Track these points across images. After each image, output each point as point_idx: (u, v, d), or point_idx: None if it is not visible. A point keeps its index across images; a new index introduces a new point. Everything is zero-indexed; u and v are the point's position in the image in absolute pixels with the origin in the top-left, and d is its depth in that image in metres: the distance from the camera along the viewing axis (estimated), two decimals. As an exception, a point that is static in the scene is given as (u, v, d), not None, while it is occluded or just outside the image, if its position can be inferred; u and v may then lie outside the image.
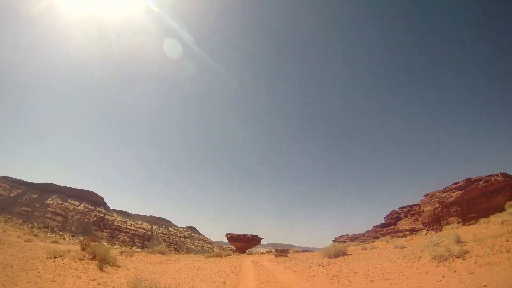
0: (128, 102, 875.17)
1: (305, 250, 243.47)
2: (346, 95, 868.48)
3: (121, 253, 56.19)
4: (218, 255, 54.28)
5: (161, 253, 54.33)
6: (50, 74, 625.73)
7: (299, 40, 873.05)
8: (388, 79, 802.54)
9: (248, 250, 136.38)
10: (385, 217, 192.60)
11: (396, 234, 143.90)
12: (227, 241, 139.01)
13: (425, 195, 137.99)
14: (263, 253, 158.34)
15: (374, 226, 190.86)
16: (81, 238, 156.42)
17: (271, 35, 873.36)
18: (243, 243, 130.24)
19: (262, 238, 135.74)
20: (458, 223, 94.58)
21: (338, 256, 36.36)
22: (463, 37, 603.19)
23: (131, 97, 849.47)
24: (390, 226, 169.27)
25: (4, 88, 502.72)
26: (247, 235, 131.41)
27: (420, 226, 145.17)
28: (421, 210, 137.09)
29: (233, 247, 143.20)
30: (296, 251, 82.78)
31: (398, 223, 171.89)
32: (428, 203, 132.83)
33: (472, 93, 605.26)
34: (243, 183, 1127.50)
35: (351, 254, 38.30)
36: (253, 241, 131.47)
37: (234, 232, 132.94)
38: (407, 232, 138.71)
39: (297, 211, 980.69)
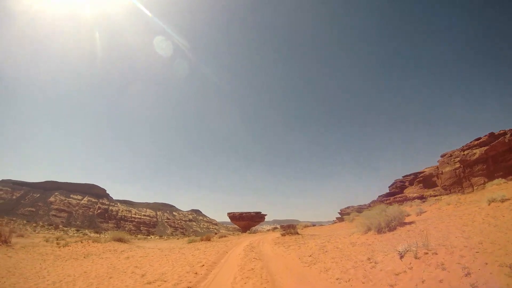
0: (123, 96, 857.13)
1: (313, 224, 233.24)
2: (343, 67, 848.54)
3: (47, 240, 40.13)
4: (206, 238, 38.48)
5: (120, 240, 38.23)
6: (39, 72, 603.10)
7: (293, 38, 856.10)
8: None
9: (252, 228, 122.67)
10: (389, 187, 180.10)
11: (404, 202, 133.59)
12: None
13: (442, 155, 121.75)
14: (268, 230, 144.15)
15: (379, 196, 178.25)
16: (86, 231, 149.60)
17: (263, 34, 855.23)
18: (246, 221, 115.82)
19: (265, 215, 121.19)
20: (484, 183, 79.48)
21: (394, 229, 18.82)
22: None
23: (126, 91, 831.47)
24: (396, 195, 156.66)
25: None
26: (249, 212, 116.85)
27: (430, 192, 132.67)
28: (440, 172, 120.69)
29: (238, 227, 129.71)
30: (306, 226, 65.70)
31: (404, 191, 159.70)
32: (447, 163, 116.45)
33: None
34: (244, 162, 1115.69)
35: (412, 222, 20.63)
36: (256, 218, 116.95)
37: (236, 211, 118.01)
38: (416, 200, 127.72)
39: (300, 186, 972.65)
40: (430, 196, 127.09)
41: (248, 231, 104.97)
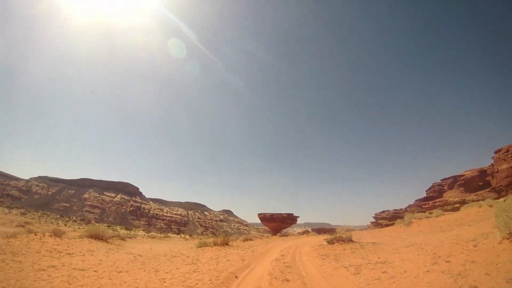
0: (156, 97, 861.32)
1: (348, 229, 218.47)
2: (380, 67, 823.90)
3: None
4: (222, 242, 26.84)
5: (96, 237, 27.22)
6: (61, 76, 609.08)
7: (305, 39, 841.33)
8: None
9: (283, 231, 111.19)
10: (426, 190, 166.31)
11: (444, 207, 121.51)
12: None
13: (497, 151, 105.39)
14: (300, 233, 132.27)
15: (416, 200, 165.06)
16: (117, 227, 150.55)
17: (277, 35, 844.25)
18: (277, 223, 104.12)
19: (298, 217, 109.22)
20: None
21: None
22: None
23: (147, 95, 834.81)
24: (435, 199, 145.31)
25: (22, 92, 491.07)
26: (281, 214, 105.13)
27: (472, 197, 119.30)
28: (494, 170, 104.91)
29: (268, 228, 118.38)
30: (348, 230, 52.83)
31: (443, 195, 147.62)
32: (504, 159, 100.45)
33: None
34: (277, 164, 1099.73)
35: None
36: (288, 220, 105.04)
37: (266, 212, 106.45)
38: (457, 204, 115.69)
39: (331, 189, 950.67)
40: (472, 201, 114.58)
41: (278, 234, 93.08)
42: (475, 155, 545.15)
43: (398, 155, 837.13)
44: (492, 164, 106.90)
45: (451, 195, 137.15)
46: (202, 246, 27.30)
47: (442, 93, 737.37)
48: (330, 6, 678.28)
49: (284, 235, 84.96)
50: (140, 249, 27.89)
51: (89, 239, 26.60)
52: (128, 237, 45.06)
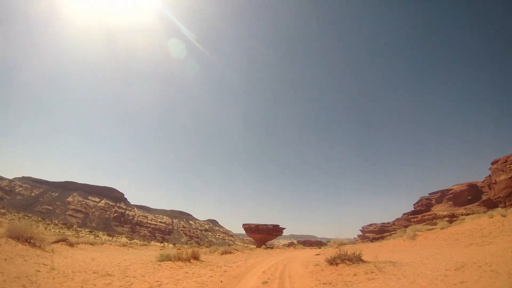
0: (138, 101, 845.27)
1: (328, 241, 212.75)
2: (364, 77, 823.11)
3: None
4: (189, 257, 19.63)
5: (21, 238, 19.50)
6: (59, 74, 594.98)
7: (306, 39, 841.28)
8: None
9: (269, 242, 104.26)
10: (414, 204, 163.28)
11: (433, 221, 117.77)
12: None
13: (494, 162, 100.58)
14: (285, 245, 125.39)
15: (404, 214, 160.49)
16: (100, 232, 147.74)
17: (277, 35, 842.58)
18: (262, 235, 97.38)
19: (284, 229, 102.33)
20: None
21: None
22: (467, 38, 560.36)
23: (140, 96, 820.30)
24: (423, 213, 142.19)
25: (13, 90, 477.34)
26: (266, 225, 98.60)
27: (461, 211, 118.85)
28: (492, 181, 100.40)
29: (253, 239, 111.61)
30: (341, 244, 45.87)
31: (431, 209, 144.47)
32: (502, 170, 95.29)
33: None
34: (263, 175, 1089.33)
35: None
36: (274, 232, 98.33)
37: (252, 223, 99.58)
38: (446, 218, 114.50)
39: (317, 201, 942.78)
40: (462, 215, 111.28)
41: (263, 246, 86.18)
42: (463, 170, 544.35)
43: (385, 168, 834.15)
44: (490, 176, 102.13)
45: (440, 209, 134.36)
46: (163, 260, 20.45)
47: (431, 105, 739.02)
48: (331, 5, 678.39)
49: (269, 247, 78.35)
50: (78, 259, 20.62)
51: (10, 239, 19.18)
52: (89, 243, 37.96)
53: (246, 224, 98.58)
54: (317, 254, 34.09)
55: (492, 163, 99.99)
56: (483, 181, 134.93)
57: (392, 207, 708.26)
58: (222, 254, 34.35)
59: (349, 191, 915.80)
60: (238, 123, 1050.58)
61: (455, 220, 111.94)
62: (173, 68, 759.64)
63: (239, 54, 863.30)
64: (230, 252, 37.01)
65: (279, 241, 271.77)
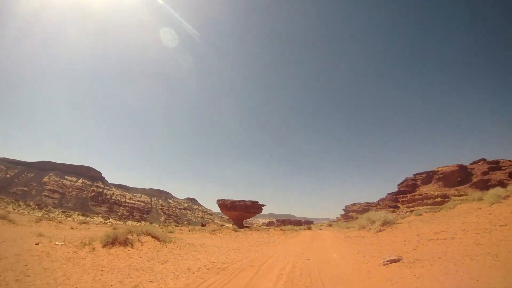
0: (116, 79, 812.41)
1: (308, 221, 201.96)
2: (352, 60, 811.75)
3: None
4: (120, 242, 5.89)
5: None
6: (42, 63, 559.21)
7: (304, 37, 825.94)
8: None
9: (248, 221, 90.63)
10: (398, 185, 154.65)
11: (424, 201, 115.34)
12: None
13: None
14: (265, 224, 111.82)
15: (389, 194, 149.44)
16: (75, 214, 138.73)
17: (274, 31, 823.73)
18: (239, 212, 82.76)
19: (263, 205, 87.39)
20: None
21: None
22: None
23: (119, 74, 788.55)
24: (409, 193, 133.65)
25: None
26: (244, 201, 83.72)
27: (453, 192, 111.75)
28: None
29: (229, 218, 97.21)
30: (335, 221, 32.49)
31: (416, 190, 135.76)
32: None
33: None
34: (244, 154, 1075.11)
35: None
36: (252, 208, 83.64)
37: (227, 198, 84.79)
38: (438, 198, 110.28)
39: (299, 180, 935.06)
40: (454, 196, 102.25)
41: (243, 228, 72.31)
42: (449, 152, 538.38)
43: (366, 149, 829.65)
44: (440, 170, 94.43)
45: (429, 189, 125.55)
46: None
47: (414, 90, 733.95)
48: (328, 5, 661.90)
49: (247, 227, 64.38)
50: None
51: None
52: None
53: (221, 200, 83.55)
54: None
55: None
56: (471, 164, 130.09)
57: (373, 189, 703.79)
58: (191, 231, 20.41)
59: (330, 171, 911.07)
60: (219, 104, 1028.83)
61: (447, 201, 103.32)
62: (162, 58, 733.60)
63: (236, 48, 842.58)
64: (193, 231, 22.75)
65: (258, 220, 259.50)
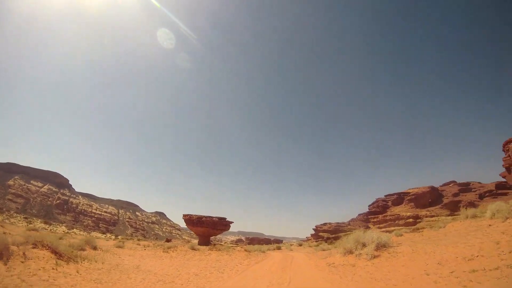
0: (87, 84, 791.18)
1: (277, 239, 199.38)
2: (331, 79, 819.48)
3: None
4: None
5: None
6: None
7: (302, 39, 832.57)
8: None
9: (217, 237, 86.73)
10: (369, 205, 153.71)
11: (396, 222, 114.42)
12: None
13: (506, 143, 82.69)
14: (233, 242, 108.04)
15: (360, 214, 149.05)
16: (37, 221, 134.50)
17: (272, 31, 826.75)
18: (206, 228, 78.91)
19: (232, 222, 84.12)
20: None
21: None
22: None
23: (89, 79, 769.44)
24: (380, 214, 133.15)
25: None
26: (211, 217, 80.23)
27: (424, 213, 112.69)
28: (506, 164, 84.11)
29: (196, 234, 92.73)
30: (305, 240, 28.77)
31: (387, 210, 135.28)
32: None
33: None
34: (213, 169, 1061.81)
35: None
36: (219, 225, 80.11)
37: (194, 213, 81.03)
38: (410, 219, 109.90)
39: (269, 198, 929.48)
40: (426, 217, 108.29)
41: (208, 245, 68.94)
42: (416, 174, 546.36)
43: (337, 169, 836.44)
44: (508, 155, 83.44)
45: (401, 210, 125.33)
46: None
47: (388, 110, 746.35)
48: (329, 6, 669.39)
49: (214, 247, 61.15)
50: None
51: None
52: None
53: (187, 215, 79.43)
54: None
55: (506, 144, 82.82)
56: (442, 186, 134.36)
57: (343, 209, 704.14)
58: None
59: (299, 191, 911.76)
60: (185, 117, 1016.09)
61: (419, 221, 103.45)
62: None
63: (235, 49, 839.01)
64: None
65: (226, 237, 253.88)
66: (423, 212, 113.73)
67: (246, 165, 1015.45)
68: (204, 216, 79.42)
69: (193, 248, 37.43)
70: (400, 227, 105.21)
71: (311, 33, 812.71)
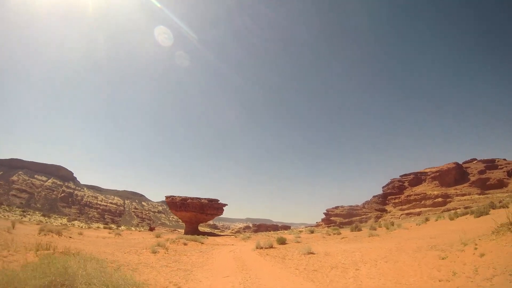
0: (105, 83, 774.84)
1: (285, 226, 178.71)
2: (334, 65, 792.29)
3: None
4: None
5: None
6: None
7: (302, 37, 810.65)
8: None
9: (225, 224, 68.16)
10: (383, 187, 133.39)
11: (422, 202, 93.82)
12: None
13: None
14: (242, 229, 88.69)
15: (374, 196, 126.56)
16: (36, 213, 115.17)
17: (272, 30, 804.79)
18: (192, 212, 57.38)
19: (225, 205, 61.59)
20: None
21: None
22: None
23: (110, 78, 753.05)
24: (398, 195, 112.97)
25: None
26: (199, 199, 58.57)
27: (452, 191, 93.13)
28: None
29: (181, 220, 71.54)
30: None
31: (404, 191, 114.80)
32: None
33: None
34: (222, 155, 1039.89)
35: None
36: (209, 209, 58.23)
37: (177, 195, 59.31)
38: (439, 199, 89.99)
39: (279, 184, 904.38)
40: (456, 195, 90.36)
41: (199, 234, 47.56)
42: (431, 155, 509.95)
43: (345, 153, 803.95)
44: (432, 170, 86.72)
45: (426, 189, 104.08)
46: None
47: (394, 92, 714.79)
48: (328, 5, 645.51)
49: (206, 233, 39.28)
50: None
51: None
52: None
53: (170, 197, 58.43)
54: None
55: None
56: (464, 163, 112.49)
57: (351, 193, 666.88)
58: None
59: (309, 176, 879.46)
60: (203, 105, 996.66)
61: (450, 201, 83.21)
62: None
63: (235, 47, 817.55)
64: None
65: (235, 224, 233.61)
66: (451, 190, 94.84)
67: (254, 151, 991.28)
68: (190, 198, 57.81)
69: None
70: (427, 208, 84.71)
71: (310, 31, 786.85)
